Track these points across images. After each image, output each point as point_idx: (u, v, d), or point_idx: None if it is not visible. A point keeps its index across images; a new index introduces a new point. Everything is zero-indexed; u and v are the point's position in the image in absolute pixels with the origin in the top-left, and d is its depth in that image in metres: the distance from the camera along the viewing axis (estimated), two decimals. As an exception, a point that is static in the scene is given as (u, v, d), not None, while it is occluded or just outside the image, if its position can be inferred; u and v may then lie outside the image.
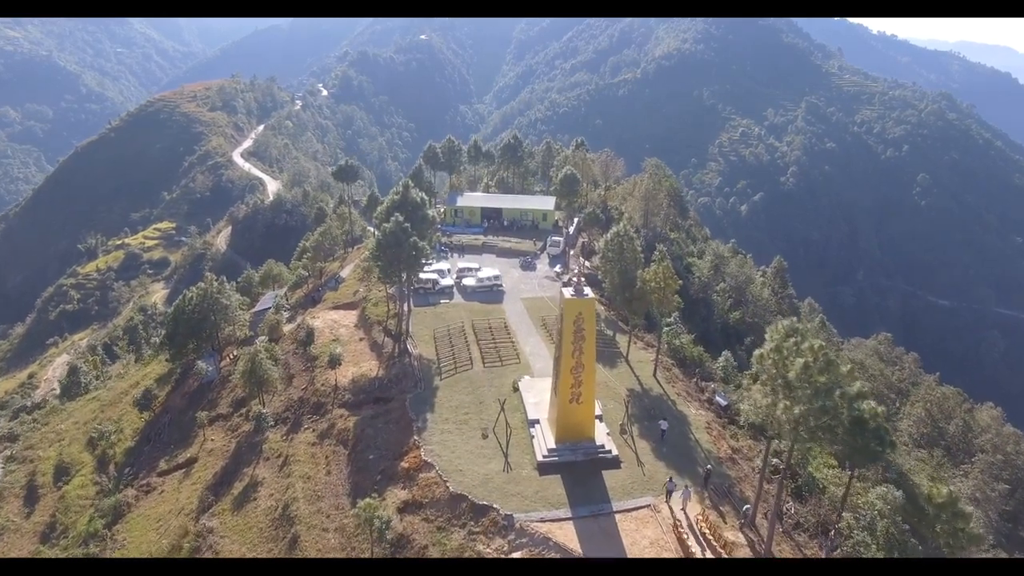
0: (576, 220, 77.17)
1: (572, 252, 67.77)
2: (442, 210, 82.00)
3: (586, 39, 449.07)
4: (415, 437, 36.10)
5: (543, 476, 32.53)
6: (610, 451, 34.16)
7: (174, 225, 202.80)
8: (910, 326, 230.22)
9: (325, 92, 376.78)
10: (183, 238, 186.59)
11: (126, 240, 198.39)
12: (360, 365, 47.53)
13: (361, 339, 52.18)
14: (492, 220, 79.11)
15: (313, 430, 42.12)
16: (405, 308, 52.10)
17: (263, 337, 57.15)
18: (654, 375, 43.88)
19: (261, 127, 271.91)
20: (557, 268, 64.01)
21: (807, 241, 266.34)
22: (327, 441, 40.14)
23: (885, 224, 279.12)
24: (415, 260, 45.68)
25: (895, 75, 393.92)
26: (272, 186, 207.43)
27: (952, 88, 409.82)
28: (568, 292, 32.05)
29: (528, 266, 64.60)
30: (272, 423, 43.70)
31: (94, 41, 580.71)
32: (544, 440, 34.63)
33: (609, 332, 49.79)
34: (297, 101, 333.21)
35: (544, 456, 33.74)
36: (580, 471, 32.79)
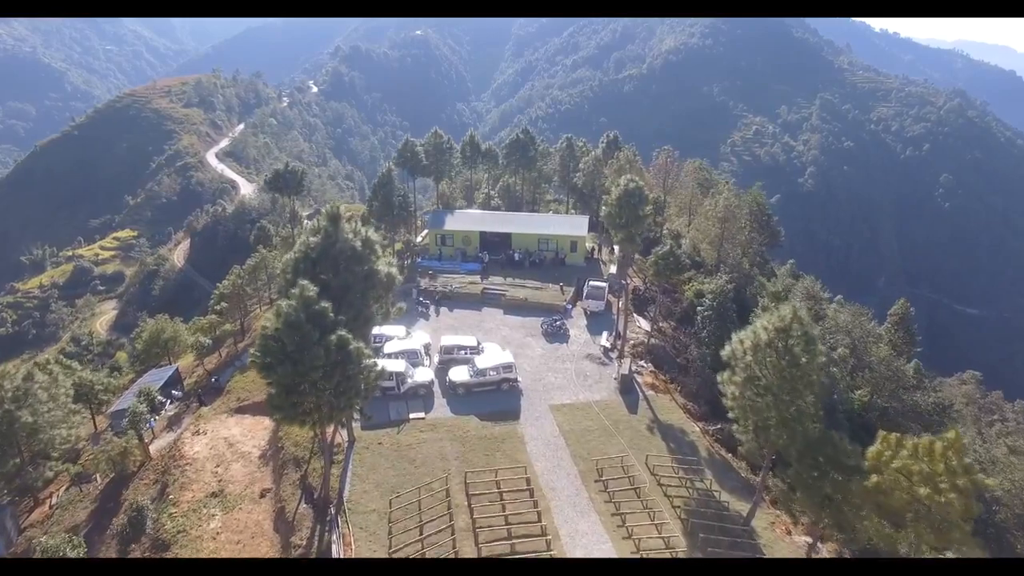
0: (618, 252, 52.71)
1: (621, 304, 43.84)
2: (423, 236, 57.94)
3: (588, 35, 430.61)
4: None
5: None
6: None
7: (135, 234, 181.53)
8: (936, 337, 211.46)
9: (315, 88, 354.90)
10: (146, 248, 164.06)
11: (78, 251, 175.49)
12: None
13: (263, 495, 28.63)
14: (502, 251, 53.87)
15: None
16: (344, 437, 28.54)
17: (99, 475, 33.39)
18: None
19: (241, 125, 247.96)
20: (605, 339, 39.42)
21: (828, 246, 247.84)
22: None
23: (907, 227, 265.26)
24: (345, 385, 21.55)
25: (901, 73, 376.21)
26: (246, 190, 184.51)
27: (957, 87, 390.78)
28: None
29: (556, 333, 40.26)
30: None
31: (82, 39, 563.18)
32: None
33: (722, 500, 26.11)
34: (284, 98, 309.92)
35: None
36: None
